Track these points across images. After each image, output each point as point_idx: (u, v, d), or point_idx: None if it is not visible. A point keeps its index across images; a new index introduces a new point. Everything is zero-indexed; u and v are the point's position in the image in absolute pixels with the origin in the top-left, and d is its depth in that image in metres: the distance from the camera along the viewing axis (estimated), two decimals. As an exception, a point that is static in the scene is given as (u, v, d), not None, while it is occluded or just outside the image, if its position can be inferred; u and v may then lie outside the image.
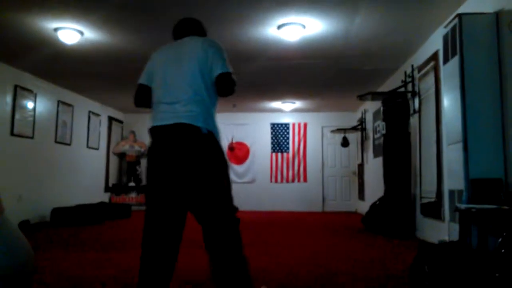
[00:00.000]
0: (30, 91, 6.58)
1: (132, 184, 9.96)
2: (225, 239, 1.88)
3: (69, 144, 7.82)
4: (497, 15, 3.31)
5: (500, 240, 2.42)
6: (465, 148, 3.23)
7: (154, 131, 1.98)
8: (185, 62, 2.03)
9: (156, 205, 1.93)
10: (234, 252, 1.89)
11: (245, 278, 1.87)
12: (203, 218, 1.92)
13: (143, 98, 2.15)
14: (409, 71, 5.58)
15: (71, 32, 4.67)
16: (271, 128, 10.15)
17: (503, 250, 2.37)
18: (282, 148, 10.20)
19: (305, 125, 10.20)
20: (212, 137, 1.95)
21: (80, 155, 8.28)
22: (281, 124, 10.19)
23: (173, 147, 1.89)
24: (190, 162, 1.87)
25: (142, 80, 2.19)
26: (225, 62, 2.03)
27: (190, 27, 2.29)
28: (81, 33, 4.74)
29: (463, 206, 3.06)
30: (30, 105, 6.59)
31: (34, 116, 6.67)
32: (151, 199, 1.96)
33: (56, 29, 4.63)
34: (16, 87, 6.23)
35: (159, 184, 1.92)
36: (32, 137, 6.62)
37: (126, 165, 10.13)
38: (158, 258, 1.88)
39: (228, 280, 1.85)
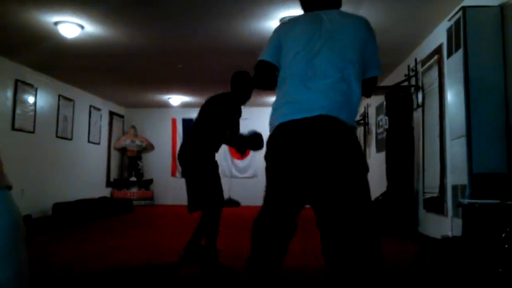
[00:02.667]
0: (30, 85, 6.56)
1: (133, 179, 9.96)
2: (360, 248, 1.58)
3: (70, 139, 7.81)
4: (502, 8, 3.27)
5: (503, 235, 2.40)
6: (469, 143, 3.20)
7: (294, 124, 1.63)
8: (339, 43, 1.69)
9: (285, 205, 1.69)
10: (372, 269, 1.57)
11: None
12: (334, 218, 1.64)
13: (266, 78, 1.83)
14: (412, 65, 5.54)
15: (71, 26, 4.64)
16: (273, 122, 10.11)
17: (506, 246, 2.35)
18: (284, 143, 10.16)
19: (307, 119, 10.17)
20: (353, 131, 1.70)
21: (81, 150, 8.28)
22: (283, 119, 10.15)
23: (316, 143, 1.60)
24: (335, 159, 1.61)
25: (266, 56, 1.82)
26: (378, 60, 1.79)
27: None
28: (82, 27, 4.70)
29: (466, 201, 3.04)
30: (31, 99, 6.57)
31: (35, 110, 6.66)
32: (281, 199, 1.69)
33: (56, 23, 4.59)
34: (16, 81, 6.21)
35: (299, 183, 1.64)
36: (33, 132, 6.60)
37: (127, 160, 10.13)
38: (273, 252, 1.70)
39: None
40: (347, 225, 1.60)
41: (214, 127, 3.35)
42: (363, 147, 9.12)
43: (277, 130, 1.67)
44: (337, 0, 1.88)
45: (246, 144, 3.37)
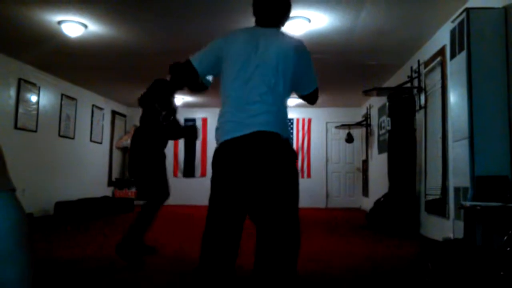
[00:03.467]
0: (33, 84, 6.57)
1: (135, 178, 9.97)
2: (283, 250, 1.74)
3: (72, 138, 7.82)
4: (506, 10, 3.26)
5: (505, 238, 2.39)
6: (471, 145, 3.19)
7: (228, 144, 1.79)
8: (270, 62, 1.83)
9: (227, 213, 1.79)
10: (288, 269, 1.73)
11: None
12: (266, 226, 1.79)
13: (185, 77, 1.98)
14: (415, 66, 5.53)
15: (74, 25, 4.65)
16: (275, 123, 10.12)
17: (508, 249, 2.34)
18: (286, 144, 10.17)
19: (309, 120, 10.17)
20: (289, 143, 1.87)
21: (84, 149, 8.29)
22: (285, 120, 10.16)
23: (253, 157, 1.76)
24: (270, 169, 1.77)
25: (196, 62, 1.93)
26: (315, 75, 1.99)
27: (274, 13, 1.97)
28: (85, 26, 4.71)
29: (468, 203, 3.03)
30: (33, 98, 6.59)
31: (37, 109, 6.67)
32: (221, 207, 1.80)
33: (59, 22, 4.61)
34: (20, 80, 6.23)
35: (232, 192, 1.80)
36: (35, 131, 6.62)
37: (130, 159, 10.13)
38: (221, 263, 1.76)
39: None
40: (278, 224, 1.77)
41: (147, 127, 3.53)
42: (365, 148, 9.11)
43: (222, 146, 1.82)
44: (277, 20, 2.00)
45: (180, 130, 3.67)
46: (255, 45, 1.86)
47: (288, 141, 1.85)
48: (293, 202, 1.82)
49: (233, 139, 1.78)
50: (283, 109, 1.87)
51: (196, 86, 2.03)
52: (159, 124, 3.48)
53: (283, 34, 1.96)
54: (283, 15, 2.01)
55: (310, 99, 2.06)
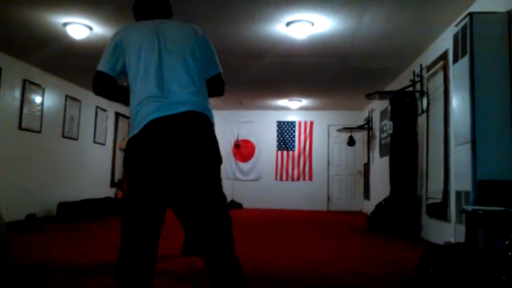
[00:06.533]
0: (38, 85, 6.61)
1: (138, 179, 9.99)
2: (220, 238, 1.70)
3: (76, 139, 7.85)
4: (509, 14, 3.27)
5: (507, 242, 2.40)
6: (473, 149, 3.20)
7: (154, 124, 1.63)
8: (179, 51, 1.80)
9: (147, 203, 1.69)
10: (228, 251, 1.70)
11: (240, 280, 1.70)
12: (197, 216, 1.71)
13: (106, 88, 1.87)
14: (417, 70, 5.54)
15: (80, 27, 4.69)
16: (277, 126, 10.13)
17: (509, 253, 2.35)
18: (288, 146, 10.19)
19: (311, 123, 10.18)
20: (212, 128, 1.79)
21: (87, 150, 8.32)
22: (287, 122, 10.17)
23: (186, 137, 1.64)
24: (201, 154, 1.67)
25: (104, 67, 1.86)
26: (218, 61, 1.95)
27: (161, 6, 2.03)
28: (90, 28, 4.75)
29: (470, 207, 3.04)
30: (38, 99, 6.63)
31: (42, 110, 6.71)
32: (141, 197, 1.70)
33: (65, 24, 4.64)
34: (24, 81, 6.27)
35: (156, 181, 1.66)
36: (39, 132, 6.65)
37: (132, 160, 10.16)
38: (141, 260, 1.69)
39: (225, 282, 1.67)
40: (206, 219, 1.69)
41: None
42: (366, 151, 9.12)
43: (139, 133, 1.65)
44: (169, 12, 2.05)
45: None
46: (160, 32, 1.83)
47: (213, 124, 1.78)
48: (220, 193, 1.74)
49: (154, 120, 1.63)
50: (204, 92, 1.81)
51: (119, 93, 1.89)
52: None
53: (177, 22, 1.97)
54: (168, 5, 2.06)
55: (215, 86, 1.94)
